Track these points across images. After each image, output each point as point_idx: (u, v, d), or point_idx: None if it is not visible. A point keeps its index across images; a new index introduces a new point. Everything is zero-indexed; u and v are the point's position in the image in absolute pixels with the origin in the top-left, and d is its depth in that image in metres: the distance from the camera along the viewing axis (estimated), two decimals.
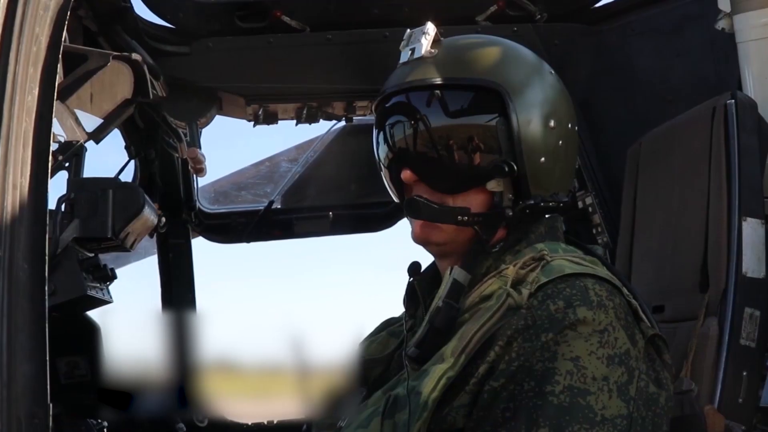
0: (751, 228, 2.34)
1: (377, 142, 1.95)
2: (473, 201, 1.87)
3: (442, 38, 1.92)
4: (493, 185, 1.86)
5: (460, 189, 1.87)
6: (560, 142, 1.89)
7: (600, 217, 3.36)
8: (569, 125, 1.92)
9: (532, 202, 1.87)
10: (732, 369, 2.24)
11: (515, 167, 1.85)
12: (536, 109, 1.88)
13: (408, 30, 1.93)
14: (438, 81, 1.87)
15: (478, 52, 1.92)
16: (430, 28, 1.91)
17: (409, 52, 1.91)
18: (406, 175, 1.89)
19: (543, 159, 1.87)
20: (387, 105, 1.94)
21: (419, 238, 1.92)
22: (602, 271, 1.85)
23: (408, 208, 1.90)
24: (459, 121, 1.87)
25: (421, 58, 1.90)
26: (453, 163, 1.87)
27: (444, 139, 1.87)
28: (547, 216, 1.96)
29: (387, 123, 1.93)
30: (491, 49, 1.93)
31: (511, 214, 1.87)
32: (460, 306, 1.85)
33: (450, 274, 1.88)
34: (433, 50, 1.90)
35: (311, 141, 4.29)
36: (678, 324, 2.43)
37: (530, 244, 1.90)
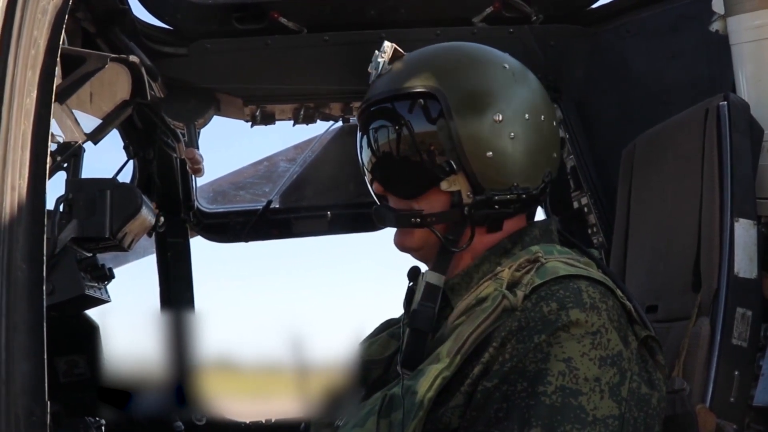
0: (743, 229, 2.34)
1: (359, 155, 2.05)
2: (434, 203, 1.93)
3: (404, 53, 2.01)
4: (446, 185, 1.92)
5: (417, 193, 1.94)
6: (511, 134, 1.92)
7: (595, 218, 3.36)
8: (526, 116, 1.94)
9: (484, 196, 1.91)
10: (724, 368, 2.25)
11: (454, 165, 1.90)
12: (477, 105, 1.91)
13: (376, 51, 2.01)
14: (382, 96, 1.96)
15: (423, 61, 1.98)
16: (387, 46, 2.00)
17: (374, 71, 2.00)
18: (375, 187, 1.99)
19: (490, 153, 1.91)
20: (358, 121, 2.05)
21: (398, 245, 2.00)
22: (596, 273, 1.88)
23: (374, 216, 2.00)
24: (405, 129, 1.93)
25: (380, 76, 1.99)
26: (406, 169, 1.94)
27: (395, 148, 1.94)
28: (540, 220, 2.01)
29: (357, 140, 2.03)
30: (437, 57, 1.99)
31: (467, 211, 1.91)
32: (436, 306, 1.89)
33: (422, 278, 1.93)
34: (389, 66, 1.99)
35: (309, 141, 4.30)
36: (671, 324, 2.44)
37: (525, 247, 1.93)
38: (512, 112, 1.92)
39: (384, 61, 1.98)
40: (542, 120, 1.96)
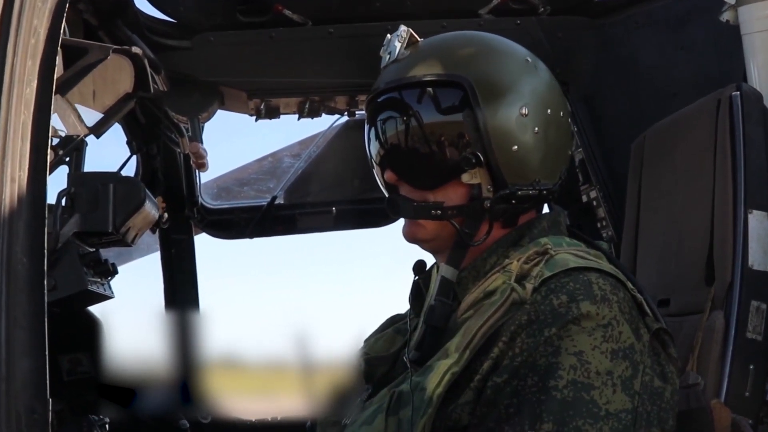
0: (756, 220, 2.32)
1: (366, 143, 1.99)
2: (452, 195, 1.89)
3: (420, 39, 1.96)
4: (467, 177, 1.87)
5: (436, 184, 1.89)
6: (536, 128, 1.88)
7: (604, 211, 3.35)
8: (548, 111, 1.90)
9: (507, 191, 1.87)
10: (738, 362, 2.24)
11: (481, 157, 1.85)
12: (505, 97, 1.87)
13: (388, 35, 1.96)
14: (404, 82, 1.90)
15: (446, 48, 1.94)
16: (403, 30, 1.95)
17: (387, 56, 1.95)
18: (388, 175, 1.93)
19: (516, 147, 1.87)
20: (368, 108, 1.98)
21: (408, 237, 1.95)
22: (606, 266, 1.85)
23: (387, 207, 1.94)
24: (428, 117, 1.89)
25: (396, 61, 1.93)
26: (426, 159, 1.89)
27: (415, 137, 1.89)
28: (547, 211, 1.97)
29: (369, 126, 1.97)
30: (460, 44, 1.95)
31: (488, 205, 1.87)
32: (453, 302, 1.85)
33: (437, 272, 1.89)
34: (406, 51, 1.93)
35: (314, 136, 4.28)
36: (684, 318, 2.42)
37: (533, 239, 1.90)
38: (536, 107, 1.89)
39: (400, 46, 1.93)
40: (561, 116, 1.94)
